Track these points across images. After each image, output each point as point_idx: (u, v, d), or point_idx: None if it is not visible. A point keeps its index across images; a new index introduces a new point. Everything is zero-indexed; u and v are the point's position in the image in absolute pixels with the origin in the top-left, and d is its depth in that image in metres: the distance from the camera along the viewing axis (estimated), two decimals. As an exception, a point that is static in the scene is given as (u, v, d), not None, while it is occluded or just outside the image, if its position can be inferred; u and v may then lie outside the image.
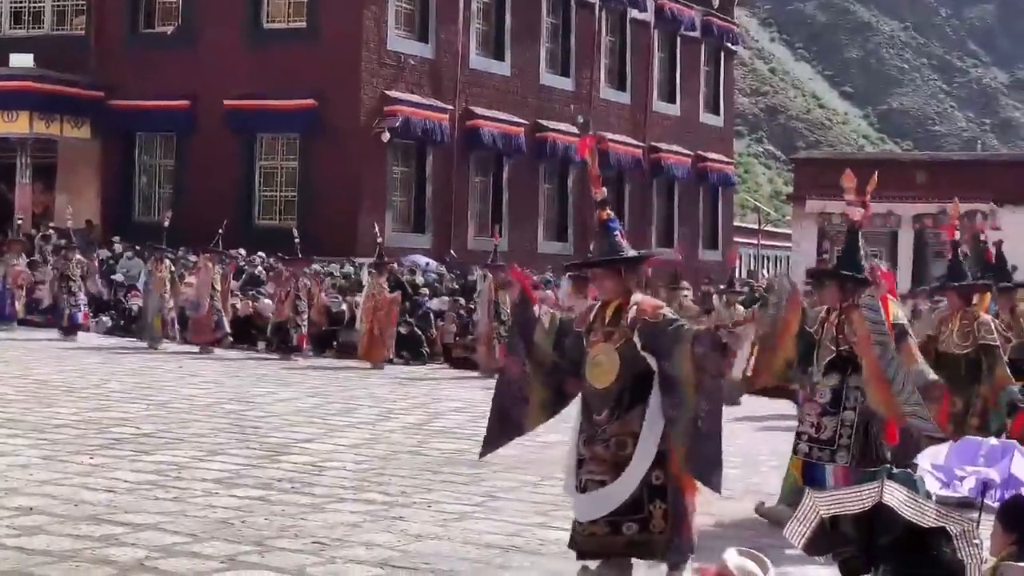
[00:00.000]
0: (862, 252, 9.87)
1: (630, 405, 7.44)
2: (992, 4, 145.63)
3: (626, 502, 7.38)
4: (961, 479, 4.71)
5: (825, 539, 4.66)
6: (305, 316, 22.90)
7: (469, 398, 18.22)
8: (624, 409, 7.42)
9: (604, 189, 7.95)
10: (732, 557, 4.06)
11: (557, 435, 14.76)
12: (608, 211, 7.85)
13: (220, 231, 23.73)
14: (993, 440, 5.02)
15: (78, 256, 24.93)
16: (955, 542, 4.12)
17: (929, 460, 4.92)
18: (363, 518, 9.68)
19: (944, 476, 4.78)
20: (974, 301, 12.37)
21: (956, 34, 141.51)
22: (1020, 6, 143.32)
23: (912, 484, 4.51)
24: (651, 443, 7.37)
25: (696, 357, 7.24)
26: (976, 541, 4.41)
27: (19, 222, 31.35)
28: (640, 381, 7.45)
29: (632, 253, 7.96)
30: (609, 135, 39.91)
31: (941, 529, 4.09)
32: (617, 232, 7.74)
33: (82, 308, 24.50)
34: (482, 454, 8.31)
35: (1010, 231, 24.47)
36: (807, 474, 9.57)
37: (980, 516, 4.49)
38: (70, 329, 24.09)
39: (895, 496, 4.22)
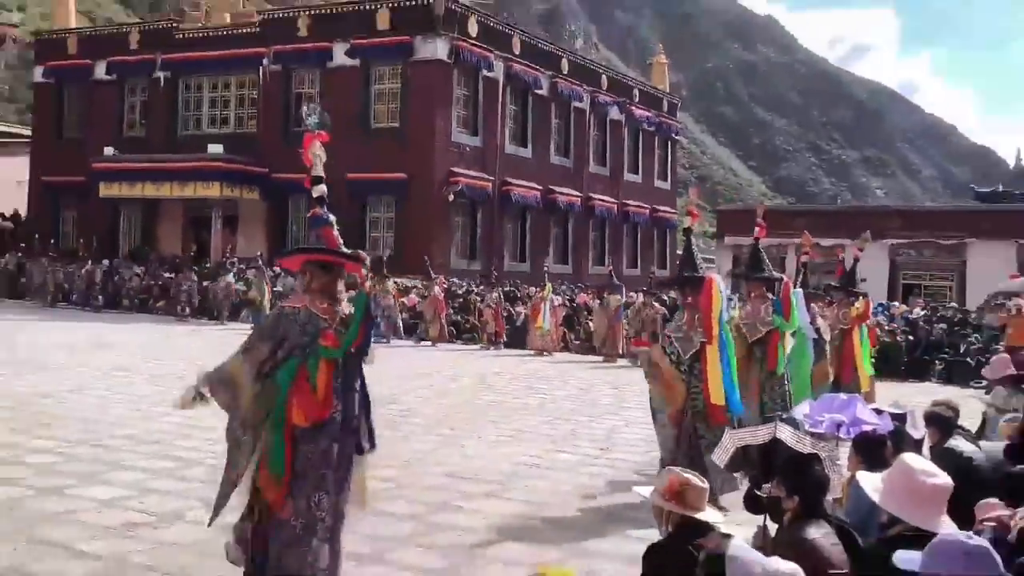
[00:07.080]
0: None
1: None
2: (851, 110, 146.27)
3: None
4: (820, 422, 4.68)
5: (740, 460, 4.65)
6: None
7: (512, 368, 18.22)
8: None
9: (323, 187, 5.10)
10: (678, 473, 3.83)
11: (568, 389, 14.79)
12: (322, 210, 5.01)
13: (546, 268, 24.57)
14: (842, 395, 4.98)
15: (391, 282, 23.61)
16: (824, 463, 4.09)
17: (801, 411, 4.91)
18: (435, 445, 9.67)
19: (810, 419, 4.77)
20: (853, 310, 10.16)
21: (824, 127, 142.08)
22: (869, 108, 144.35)
23: (796, 425, 4.45)
24: None
25: None
26: (838, 463, 4.39)
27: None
28: None
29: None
30: (595, 195, 39.88)
31: (814, 455, 4.06)
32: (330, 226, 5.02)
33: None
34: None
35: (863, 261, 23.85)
36: None
37: (837, 445, 4.46)
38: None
39: (784, 432, 4.19)
